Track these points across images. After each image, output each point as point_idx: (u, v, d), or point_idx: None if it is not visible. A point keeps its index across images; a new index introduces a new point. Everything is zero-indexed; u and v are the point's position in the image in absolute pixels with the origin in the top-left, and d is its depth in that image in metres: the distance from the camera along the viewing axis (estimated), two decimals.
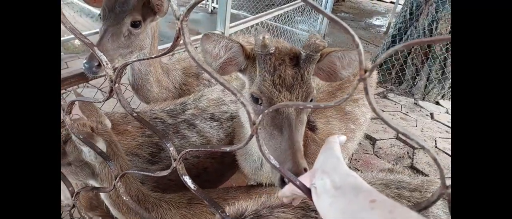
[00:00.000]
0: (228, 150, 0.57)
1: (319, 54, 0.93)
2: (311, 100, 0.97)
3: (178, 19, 0.53)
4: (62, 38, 3.34)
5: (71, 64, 4.06)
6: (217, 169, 1.72)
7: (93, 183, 1.11)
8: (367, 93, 0.44)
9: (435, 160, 0.46)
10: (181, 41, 0.55)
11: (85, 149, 0.96)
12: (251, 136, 0.57)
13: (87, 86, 2.82)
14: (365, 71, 0.44)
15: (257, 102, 0.96)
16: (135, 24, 1.47)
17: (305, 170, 0.80)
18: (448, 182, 0.51)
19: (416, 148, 3.35)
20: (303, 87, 0.93)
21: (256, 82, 0.96)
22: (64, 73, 1.47)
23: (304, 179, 0.67)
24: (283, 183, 0.83)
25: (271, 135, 0.90)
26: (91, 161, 1.02)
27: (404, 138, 3.50)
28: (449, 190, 0.48)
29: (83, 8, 4.98)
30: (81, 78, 1.43)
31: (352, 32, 0.43)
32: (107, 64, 0.62)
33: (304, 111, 0.95)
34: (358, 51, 0.43)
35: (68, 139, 1.05)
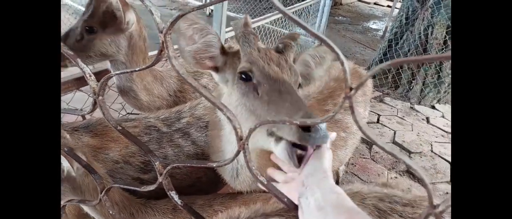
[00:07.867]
0: (214, 166, 0.55)
1: (295, 42, 0.99)
2: (299, 85, 0.97)
3: (161, 32, 0.52)
4: None
5: None
6: (211, 178, 1.69)
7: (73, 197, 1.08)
8: (352, 112, 0.43)
9: (426, 186, 0.45)
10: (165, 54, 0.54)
11: (65, 164, 0.93)
12: (238, 152, 0.55)
13: (81, 90, 2.78)
14: (351, 89, 0.43)
15: (248, 79, 0.89)
16: (90, 30, 1.47)
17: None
18: (437, 201, 0.50)
19: (412, 153, 3.35)
20: (291, 68, 0.92)
21: (243, 60, 0.90)
22: None
23: (292, 186, 0.66)
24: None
25: (270, 101, 0.83)
26: (72, 174, 0.98)
27: (400, 142, 3.50)
28: (437, 210, 0.47)
29: (78, 10, 4.95)
30: (72, 85, 1.41)
31: (336, 50, 0.42)
32: (90, 76, 0.61)
33: (297, 84, 0.93)
34: (343, 69, 0.42)
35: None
